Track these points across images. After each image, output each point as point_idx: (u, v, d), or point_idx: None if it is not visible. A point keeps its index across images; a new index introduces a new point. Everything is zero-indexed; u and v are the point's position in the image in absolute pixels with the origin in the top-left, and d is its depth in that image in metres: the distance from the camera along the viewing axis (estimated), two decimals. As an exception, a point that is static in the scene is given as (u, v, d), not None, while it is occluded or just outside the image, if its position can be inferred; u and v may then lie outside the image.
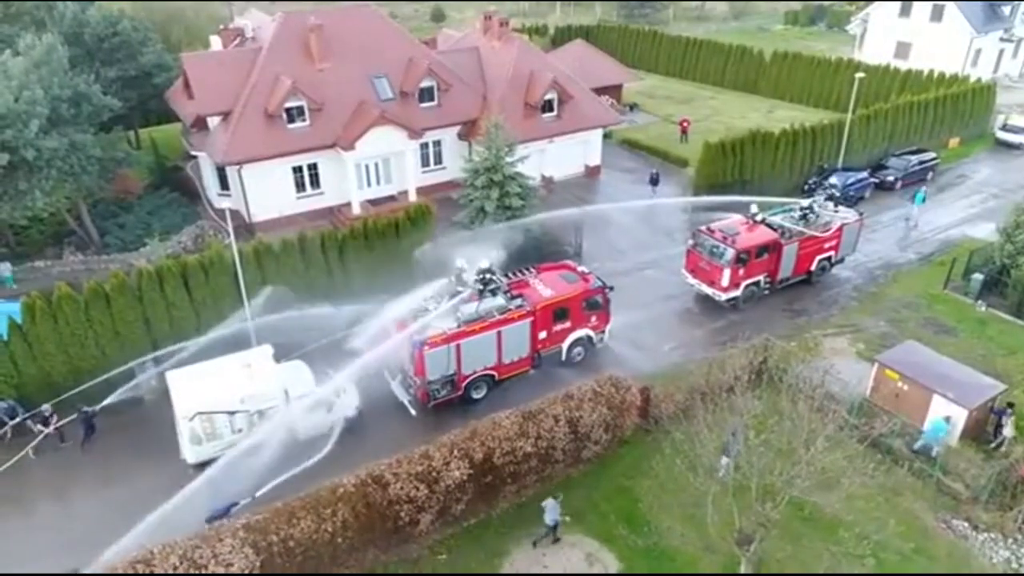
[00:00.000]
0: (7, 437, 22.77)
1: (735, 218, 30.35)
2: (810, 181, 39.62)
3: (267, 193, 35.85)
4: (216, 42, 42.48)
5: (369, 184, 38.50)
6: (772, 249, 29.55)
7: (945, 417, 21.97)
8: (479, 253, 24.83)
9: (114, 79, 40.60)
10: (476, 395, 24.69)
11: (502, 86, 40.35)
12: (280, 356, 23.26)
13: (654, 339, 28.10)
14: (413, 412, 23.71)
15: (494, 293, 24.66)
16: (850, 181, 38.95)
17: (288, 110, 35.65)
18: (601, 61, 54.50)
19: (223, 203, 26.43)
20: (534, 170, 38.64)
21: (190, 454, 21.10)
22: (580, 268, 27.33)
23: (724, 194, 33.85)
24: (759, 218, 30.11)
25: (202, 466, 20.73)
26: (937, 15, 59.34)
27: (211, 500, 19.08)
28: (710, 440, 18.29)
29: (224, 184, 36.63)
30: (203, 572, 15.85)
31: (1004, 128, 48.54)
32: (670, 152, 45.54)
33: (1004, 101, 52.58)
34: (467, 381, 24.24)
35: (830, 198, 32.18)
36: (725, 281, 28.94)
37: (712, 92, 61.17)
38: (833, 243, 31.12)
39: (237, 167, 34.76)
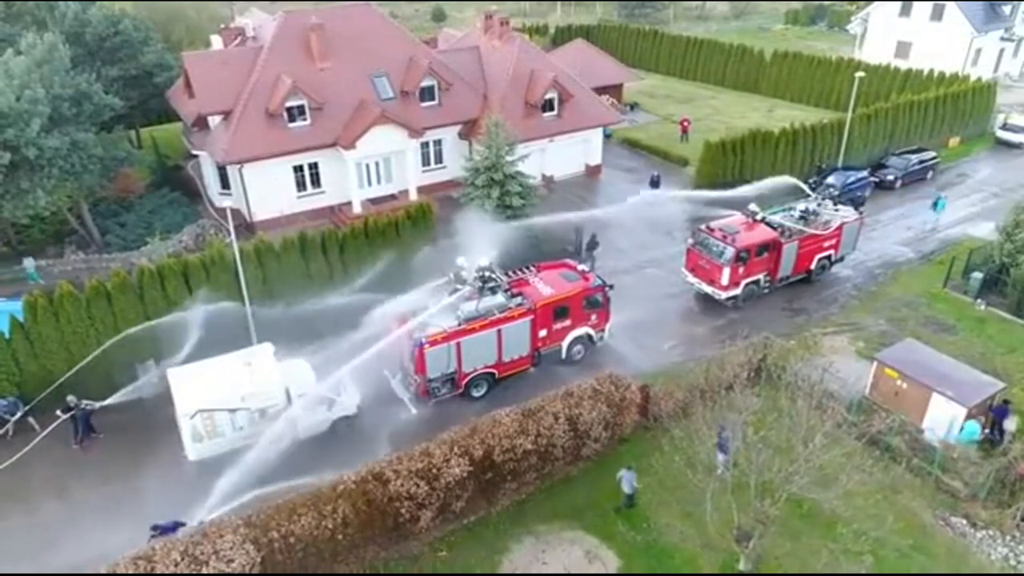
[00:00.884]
0: (9, 434, 22.87)
1: (735, 217, 30.42)
2: (810, 181, 39.59)
3: (268, 192, 35.94)
4: (217, 41, 42.56)
5: (370, 183, 38.58)
6: (772, 248, 29.61)
7: (976, 419, 22.10)
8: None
9: (115, 78, 40.69)
10: (476, 393, 24.77)
11: (502, 85, 40.41)
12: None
13: (654, 337, 28.16)
14: (413, 410, 23.78)
15: (494, 291, 24.74)
16: (850, 180, 38.97)
17: (289, 109, 35.74)
18: (601, 60, 54.54)
19: (224, 202, 26.52)
20: (535, 169, 38.75)
21: (191, 451, 21.17)
22: (580, 267, 27.39)
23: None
24: (759, 217, 30.16)
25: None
26: (937, 15, 59.37)
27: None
28: (709, 438, 18.36)
29: (225, 183, 36.73)
30: (204, 569, 15.91)
31: (1004, 127, 48.58)
32: (670, 152, 45.63)
33: (1004, 100, 52.63)
34: (467, 379, 24.33)
35: (829, 197, 32.15)
36: (725, 280, 29.00)
37: (712, 91, 61.24)
38: (833, 242, 31.17)
39: (238, 166, 34.84)
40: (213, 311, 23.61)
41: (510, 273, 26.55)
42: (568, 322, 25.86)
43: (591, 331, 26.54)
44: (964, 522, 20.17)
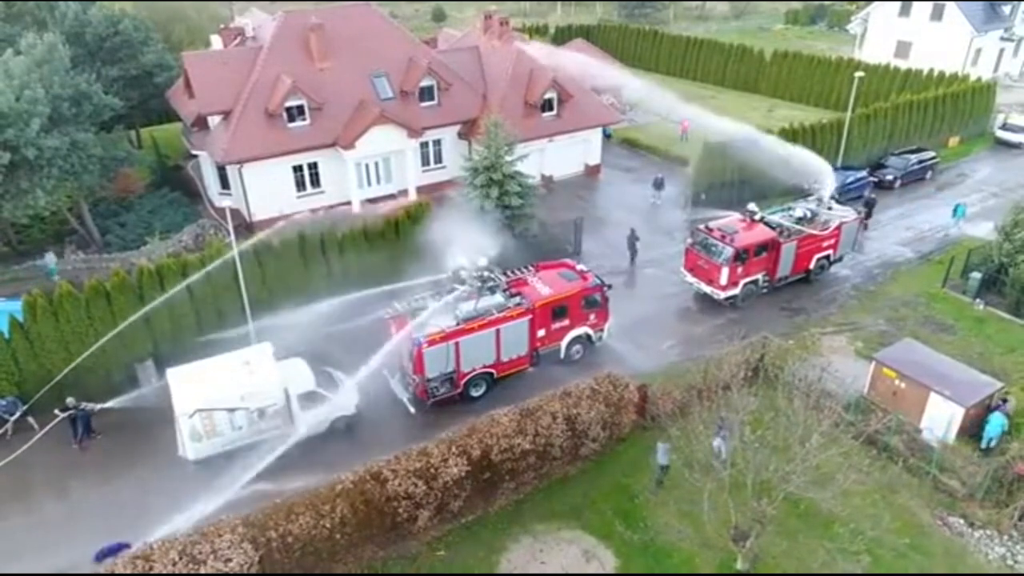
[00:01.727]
0: (9, 434, 22.92)
1: (734, 217, 30.44)
2: (810, 180, 39.57)
3: (267, 192, 35.97)
4: (217, 41, 42.63)
5: (369, 183, 38.63)
6: (771, 248, 29.63)
7: (1004, 412, 22.19)
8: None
9: (115, 78, 40.78)
10: (475, 393, 24.79)
11: (502, 85, 40.45)
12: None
13: (653, 337, 28.19)
14: (412, 410, 23.80)
15: (492, 291, 24.77)
16: (849, 180, 38.98)
17: (288, 109, 35.79)
18: (602, 60, 54.49)
19: (224, 202, 26.56)
20: (534, 169, 38.79)
21: (190, 451, 21.21)
22: (579, 266, 27.41)
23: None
24: (757, 216, 30.18)
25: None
26: (937, 14, 59.36)
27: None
28: (707, 437, 18.38)
29: (225, 183, 36.77)
30: (203, 568, 15.95)
31: (1004, 127, 48.58)
32: (670, 151, 45.62)
33: (1004, 100, 52.61)
34: (466, 379, 24.35)
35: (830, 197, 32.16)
36: (724, 279, 29.02)
37: (712, 91, 61.20)
38: (832, 242, 31.18)
39: (237, 166, 34.89)
40: None
41: (509, 273, 26.58)
42: (567, 322, 25.88)
43: (590, 331, 26.57)
44: (962, 522, 20.19)
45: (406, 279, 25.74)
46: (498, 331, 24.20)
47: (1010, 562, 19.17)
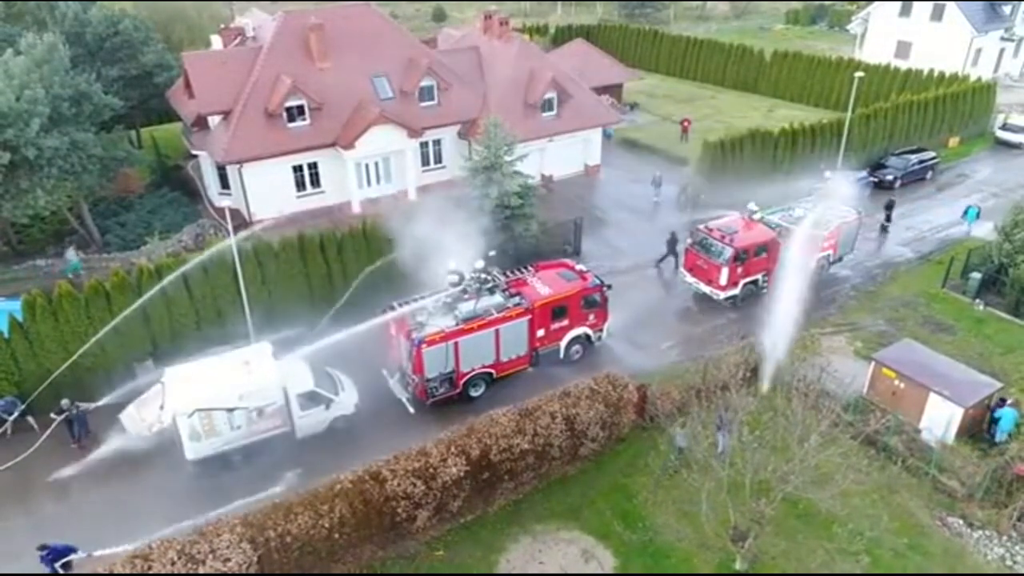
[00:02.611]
0: (8, 433, 22.93)
1: (733, 216, 30.43)
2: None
3: (267, 192, 35.98)
4: (216, 41, 42.64)
5: (369, 183, 38.64)
6: (770, 248, 29.61)
7: (1011, 404, 22.34)
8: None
9: (115, 78, 40.81)
10: (474, 393, 24.79)
11: (502, 85, 40.45)
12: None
13: (652, 337, 28.18)
14: (411, 410, 23.80)
15: (492, 291, 24.77)
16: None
17: (288, 109, 35.80)
18: (602, 60, 54.58)
19: (223, 202, 26.57)
20: (534, 169, 38.77)
21: (189, 451, 21.20)
22: (578, 267, 27.41)
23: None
24: (757, 217, 30.16)
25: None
26: (937, 15, 59.33)
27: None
28: (705, 438, 18.38)
29: (225, 183, 36.79)
30: (201, 568, 15.96)
31: (1004, 127, 48.57)
32: (670, 151, 45.63)
33: (1004, 100, 52.58)
34: (465, 379, 24.35)
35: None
36: (723, 280, 29.02)
37: (713, 91, 61.26)
38: (831, 242, 31.16)
39: (237, 166, 34.91)
40: None
41: (508, 272, 26.59)
42: (566, 322, 25.88)
43: (589, 331, 26.57)
44: (961, 522, 20.17)
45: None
46: (497, 331, 24.20)
47: (1009, 562, 19.16)
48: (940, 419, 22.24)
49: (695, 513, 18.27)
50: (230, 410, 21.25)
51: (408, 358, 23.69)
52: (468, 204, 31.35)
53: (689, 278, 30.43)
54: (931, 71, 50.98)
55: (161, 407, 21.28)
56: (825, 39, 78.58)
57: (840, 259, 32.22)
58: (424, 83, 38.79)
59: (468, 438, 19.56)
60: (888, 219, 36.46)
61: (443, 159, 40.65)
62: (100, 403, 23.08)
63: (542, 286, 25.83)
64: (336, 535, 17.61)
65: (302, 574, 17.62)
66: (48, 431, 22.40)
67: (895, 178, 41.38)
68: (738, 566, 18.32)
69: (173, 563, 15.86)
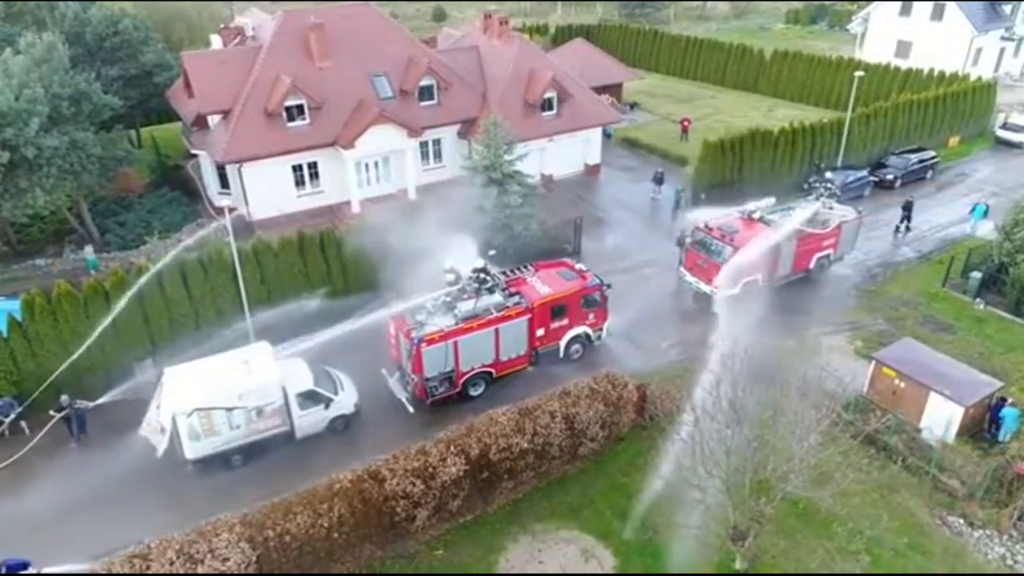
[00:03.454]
0: (6, 434, 22.89)
1: (733, 216, 30.38)
2: (810, 180, 39.56)
3: (267, 191, 35.94)
4: (216, 41, 42.62)
5: (369, 182, 38.61)
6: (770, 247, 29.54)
7: (1010, 403, 22.37)
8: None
9: (115, 78, 40.81)
10: (474, 392, 24.76)
11: (502, 85, 40.42)
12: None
13: (652, 337, 28.13)
14: (411, 409, 23.77)
15: (491, 291, 24.74)
16: (849, 179, 38.93)
17: (288, 108, 35.76)
18: (602, 60, 54.54)
19: (223, 201, 26.55)
20: (534, 169, 38.74)
21: (188, 450, 21.17)
22: (578, 266, 27.38)
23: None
24: (757, 216, 30.11)
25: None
26: (938, 14, 59.28)
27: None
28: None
29: (224, 182, 36.75)
30: (200, 568, 15.93)
31: (1004, 127, 48.51)
32: (670, 151, 45.60)
33: (1004, 100, 52.53)
34: (465, 378, 24.32)
35: (829, 196, 32.04)
36: (723, 279, 28.94)
37: (713, 91, 61.22)
38: (832, 241, 31.14)
39: (237, 165, 34.87)
40: None
41: (508, 272, 26.55)
42: (566, 321, 25.85)
43: (589, 330, 26.54)
44: (961, 521, 20.15)
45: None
46: (497, 330, 24.17)
47: (1010, 562, 19.13)
48: (940, 418, 22.22)
49: (695, 513, 18.20)
50: (229, 409, 21.22)
51: (407, 357, 23.67)
52: (459, 205, 31.34)
53: (689, 277, 30.39)
54: (931, 71, 50.93)
55: (157, 406, 21.26)
56: (825, 39, 78.55)
57: (841, 258, 32.18)
58: (424, 82, 38.75)
59: (467, 437, 19.55)
60: (906, 219, 36.15)
61: (443, 158, 40.61)
62: (99, 402, 23.03)
63: (542, 285, 25.80)
64: (335, 534, 17.60)
65: (301, 574, 17.60)
66: (40, 434, 22.31)
67: (895, 177, 41.33)
68: (738, 565, 18.28)
69: (172, 563, 15.86)
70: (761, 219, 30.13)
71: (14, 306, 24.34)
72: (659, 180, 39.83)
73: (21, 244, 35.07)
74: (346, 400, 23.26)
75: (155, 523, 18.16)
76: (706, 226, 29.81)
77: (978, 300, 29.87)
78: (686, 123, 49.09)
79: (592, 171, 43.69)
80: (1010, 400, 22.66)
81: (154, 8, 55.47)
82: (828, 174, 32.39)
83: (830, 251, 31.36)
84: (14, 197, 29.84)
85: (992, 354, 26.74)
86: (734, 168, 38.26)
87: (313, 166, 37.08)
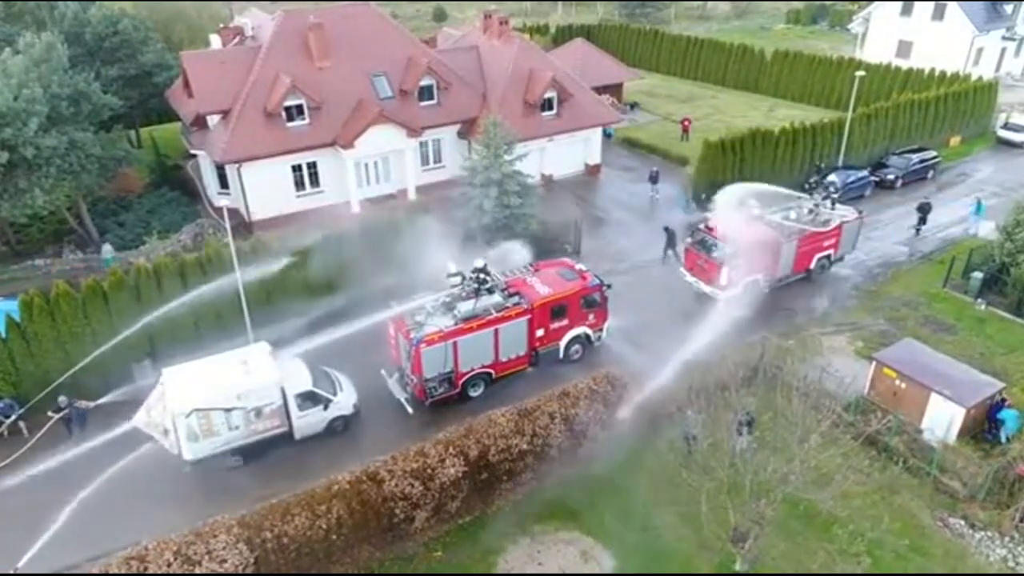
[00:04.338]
0: (5, 434, 22.83)
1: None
2: (810, 180, 39.48)
3: (266, 191, 35.88)
4: (216, 41, 42.56)
5: (368, 183, 38.55)
6: (771, 247, 29.47)
7: (1009, 405, 22.35)
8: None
9: (115, 78, 40.79)
10: (473, 393, 24.69)
11: (502, 84, 40.35)
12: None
13: (652, 337, 28.00)
14: (410, 410, 23.70)
15: (491, 291, 24.66)
16: (850, 179, 38.85)
17: (287, 108, 35.70)
18: (602, 60, 54.47)
19: (222, 201, 26.48)
20: (534, 169, 38.69)
21: (187, 451, 21.10)
22: (578, 266, 27.30)
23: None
24: (757, 216, 30.01)
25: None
26: (939, 14, 59.19)
27: None
28: (704, 438, 18.26)
29: (224, 183, 36.69)
30: (197, 569, 15.87)
31: (1005, 127, 48.42)
32: (670, 151, 45.53)
33: (1005, 100, 52.41)
34: (464, 379, 24.25)
35: (829, 196, 31.98)
36: (724, 279, 28.89)
37: (713, 91, 61.16)
38: (832, 241, 31.06)
39: (236, 165, 34.81)
40: None
41: (507, 272, 26.47)
42: (566, 321, 25.77)
43: (589, 331, 26.46)
44: (962, 523, 20.07)
45: None
46: (496, 331, 24.10)
47: (1011, 564, 19.05)
48: (941, 419, 22.14)
49: (695, 514, 18.14)
50: (228, 410, 21.16)
51: (407, 358, 23.60)
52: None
53: (689, 277, 30.31)
54: (932, 70, 50.83)
55: (149, 407, 21.18)
56: (826, 39, 78.46)
57: (842, 258, 32.10)
58: (424, 82, 38.70)
59: (466, 438, 19.48)
60: (922, 222, 36.01)
61: (443, 158, 40.55)
62: (99, 402, 22.95)
63: (541, 286, 25.72)
64: (334, 536, 17.53)
65: (299, 575, 17.51)
66: (39, 434, 22.23)
67: (896, 177, 41.25)
68: (738, 567, 18.20)
69: (169, 564, 15.80)
70: (762, 219, 30.05)
71: (12, 307, 24.27)
72: (655, 179, 39.80)
73: (20, 244, 35.03)
74: (345, 401, 23.19)
75: (153, 523, 18.09)
76: (706, 226, 29.72)
77: (979, 300, 29.78)
78: (686, 123, 49.02)
79: (592, 171, 43.62)
80: (1009, 401, 22.57)
81: (154, 8, 55.41)
82: (831, 176, 32.28)
83: (831, 251, 31.28)
84: (13, 197, 29.80)
85: (993, 354, 26.65)
86: (735, 168, 38.15)
87: (313, 166, 37.02)
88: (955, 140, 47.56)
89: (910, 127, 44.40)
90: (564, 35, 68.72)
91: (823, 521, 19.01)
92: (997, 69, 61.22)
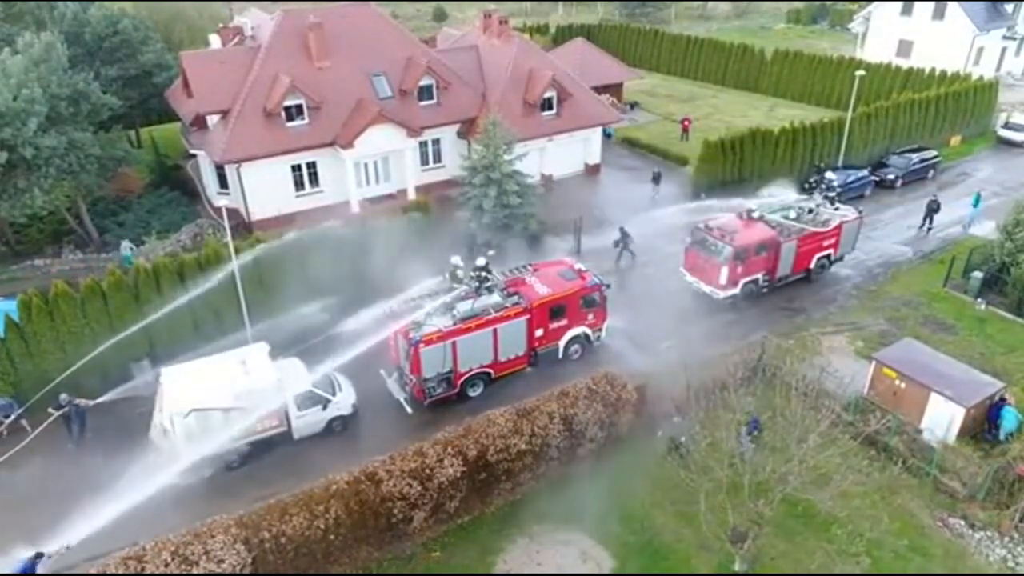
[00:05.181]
0: (4, 435, 22.82)
1: (733, 215, 30.27)
2: (811, 180, 39.45)
3: (266, 191, 35.86)
4: (215, 41, 42.56)
5: (368, 183, 38.52)
6: (770, 247, 29.45)
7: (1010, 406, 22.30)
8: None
9: (115, 78, 40.81)
10: (472, 393, 24.66)
11: (501, 84, 40.32)
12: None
13: (651, 337, 27.94)
14: (409, 410, 23.68)
15: (490, 291, 24.64)
16: (850, 179, 38.79)
17: (287, 108, 35.68)
18: (602, 59, 54.44)
19: (221, 201, 26.47)
20: (534, 168, 38.67)
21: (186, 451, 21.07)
22: (577, 266, 27.27)
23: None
24: (757, 215, 30.01)
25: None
26: (939, 13, 59.12)
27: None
28: (704, 438, 18.22)
29: (223, 183, 36.67)
30: (195, 569, 15.85)
31: (1006, 126, 48.35)
32: (670, 151, 45.48)
33: (1006, 99, 52.32)
34: (463, 379, 24.22)
35: (827, 196, 31.93)
36: (723, 279, 28.86)
37: (713, 91, 61.13)
38: (832, 241, 31.01)
39: (236, 165, 34.79)
40: None
41: (507, 272, 26.45)
42: (565, 321, 25.74)
43: (588, 330, 26.43)
44: (962, 523, 20.01)
45: None
46: (495, 331, 24.08)
47: (1011, 564, 18.99)
48: (941, 419, 22.08)
49: (694, 514, 18.13)
50: (226, 410, 21.13)
51: (405, 358, 23.58)
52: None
53: (689, 277, 30.27)
54: (932, 70, 50.75)
55: (160, 409, 21.20)
56: (826, 38, 78.40)
57: (841, 258, 32.06)
58: (423, 82, 38.67)
59: (465, 438, 19.45)
60: (929, 220, 35.98)
61: (442, 158, 40.52)
62: (98, 400, 22.95)
63: (541, 285, 25.69)
64: (331, 536, 17.50)
65: (297, 575, 17.49)
66: (41, 427, 22.29)
67: (896, 177, 41.20)
68: (737, 567, 18.16)
69: (167, 564, 15.78)
70: (762, 219, 30.04)
71: (11, 307, 24.25)
72: (657, 179, 39.78)
73: (20, 244, 35.02)
74: (344, 401, 23.17)
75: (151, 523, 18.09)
76: (706, 226, 29.69)
77: (979, 300, 29.72)
78: (686, 123, 48.99)
79: (592, 171, 43.58)
80: (1010, 400, 22.52)
81: (154, 8, 55.44)
82: (829, 173, 32.20)
83: (830, 251, 31.23)
84: (12, 197, 29.82)
85: (993, 354, 26.59)
86: (734, 168, 38.11)
87: (312, 166, 36.99)
88: (955, 140, 47.50)
89: (910, 127, 44.35)
90: (564, 35, 68.73)
91: (822, 521, 18.97)
92: (997, 68, 61.13)
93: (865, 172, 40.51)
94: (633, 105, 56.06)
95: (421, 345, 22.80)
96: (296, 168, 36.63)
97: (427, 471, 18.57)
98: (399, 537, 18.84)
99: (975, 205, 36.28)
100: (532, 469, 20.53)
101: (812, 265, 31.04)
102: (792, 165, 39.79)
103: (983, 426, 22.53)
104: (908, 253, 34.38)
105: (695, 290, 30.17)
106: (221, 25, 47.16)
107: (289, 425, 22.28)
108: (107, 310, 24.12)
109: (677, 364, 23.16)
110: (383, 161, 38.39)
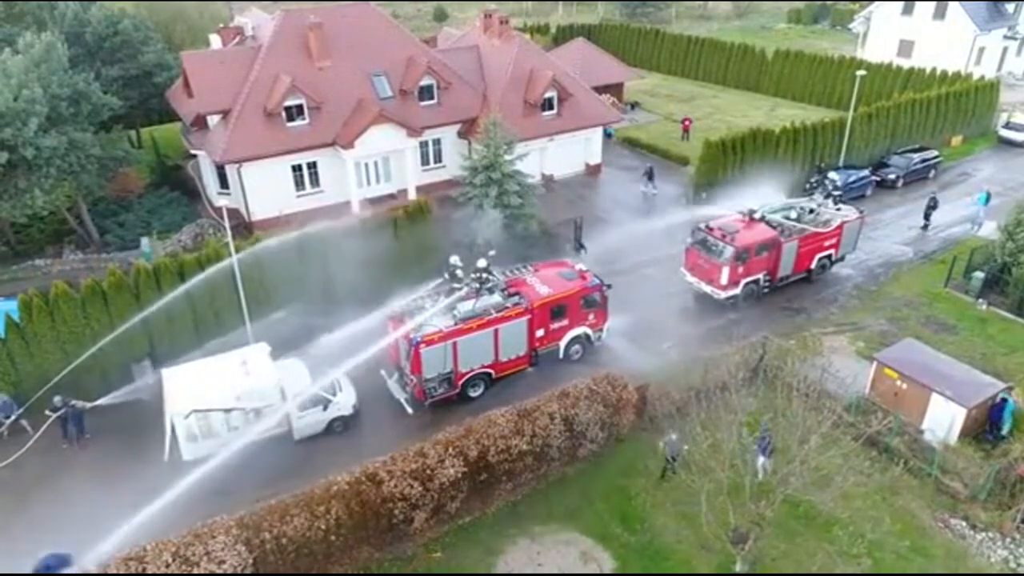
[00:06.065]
0: (4, 435, 22.81)
1: (734, 216, 30.25)
2: (811, 180, 39.43)
3: (266, 191, 35.84)
4: (216, 41, 42.53)
5: (368, 183, 38.50)
6: (771, 247, 29.43)
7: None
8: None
9: (115, 78, 40.77)
10: (473, 393, 24.64)
11: (502, 84, 40.30)
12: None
13: (652, 337, 27.94)
14: (410, 410, 23.67)
15: (491, 291, 24.63)
16: (851, 179, 38.76)
17: (287, 108, 35.65)
18: (603, 59, 54.41)
19: (222, 201, 26.45)
20: (534, 168, 38.63)
21: (186, 451, 21.08)
22: (578, 266, 27.25)
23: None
24: (757, 216, 29.98)
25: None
26: (940, 13, 59.08)
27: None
28: (704, 439, 18.19)
29: (224, 183, 36.65)
30: (196, 570, 15.83)
31: (1007, 126, 48.32)
32: (671, 151, 45.46)
33: (1007, 99, 52.29)
34: (464, 379, 24.20)
35: (828, 196, 31.91)
36: (724, 279, 28.84)
37: (714, 91, 61.09)
38: (833, 241, 30.99)
39: (236, 165, 34.77)
40: None
41: (507, 272, 26.43)
42: (566, 322, 25.72)
43: (589, 331, 26.41)
44: (964, 524, 19.99)
45: None
46: (496, 331, 24.06)
47: (1013, 565, 18.97)
48: (942, 420, 22.06)
49: (695, 515, 18.12)
50: (227, 411, 21.13)
51: (406, 358, 23.56)
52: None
53: (690, 277, 30.25)
54: (933, 70, 50.71)
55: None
56: (827, 38, 78.38)
57: (842, 258, 32.04)
58: (424, 82, 38.64)
59: (466, 439, 19.43)
60: (925, 218, 36.19)
61: (443, 158, 40.49)
62: (97, 403, 22.93)
63: (541, 285, 25.67)
64: (332, 537, 17.49)
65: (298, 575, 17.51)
66: (41, 430, 22.28)
67: (897, 177, 41.17)
68: (738, 568, 18.15)
69: (168, 565, 15.75)
70: (762, 219, 30.01)
71: (12, 307, 24.24)
72: (650, 176, 39.79)
73: (20, 244, 35.00)
74: (345, 401, 23.17)
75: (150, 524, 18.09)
76: (707, 226, 29.67)
77: (981, 300, 29.70)
78: (687, 123, 48.96)
79: (593, 171, 43.56)
80: (1012, 399, 22.51)
81: (154, 8, 55.35)
82: (832, 174, 32.20)
83: (831, 251, 31.21)
84: (13, 197, 29.79)
85: (995, 355, 26.57)
86: (735, 168, 38.07)
87: (313, 166, 36.97)
88: (956, 140, 47.46)
89: (911, 127, 44.31)
90: (565, 35, 68.69)
91: (823, 522, 18.97)
92: (999, 68, 61.09)
93: (866, 172, 40.49)
94: (634, 105, 56.04)
95: (422, 345, 22.78)
96: (297, 168, 36.61)
97: (428, 472, 18.55)
98: (400, 538, 18.84)
99: (984, 203, 36.18)
100: (533, 470, 20.51)
101: (813, 265, 31.02)
102: (793, 165, 39.67)
103: (984, 427, 22.51)
104: (909, 253, 34.38)
105: (696, 290, 30.17)
106: (221, 25, 47.13)
107: (290, 426, 22.25)
108: (108, 310, 24.08)
109: (677, 364, 23.16)
110: (383, 161, 38.36)
